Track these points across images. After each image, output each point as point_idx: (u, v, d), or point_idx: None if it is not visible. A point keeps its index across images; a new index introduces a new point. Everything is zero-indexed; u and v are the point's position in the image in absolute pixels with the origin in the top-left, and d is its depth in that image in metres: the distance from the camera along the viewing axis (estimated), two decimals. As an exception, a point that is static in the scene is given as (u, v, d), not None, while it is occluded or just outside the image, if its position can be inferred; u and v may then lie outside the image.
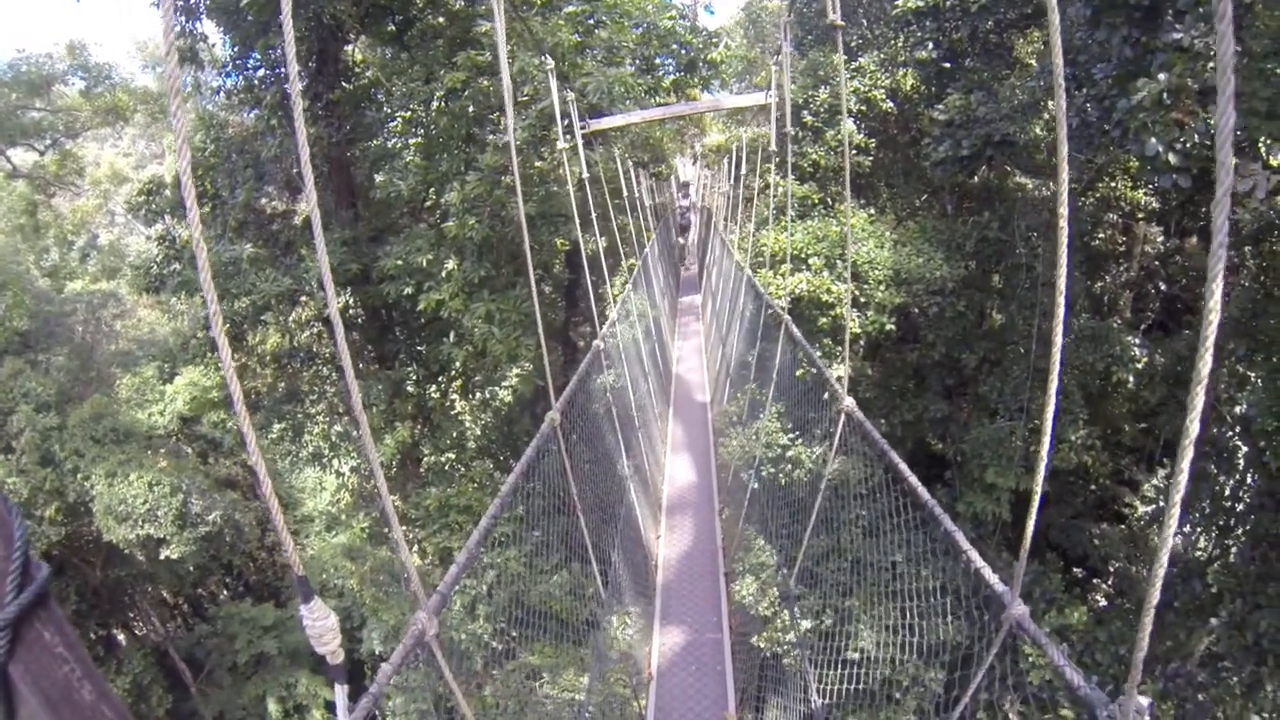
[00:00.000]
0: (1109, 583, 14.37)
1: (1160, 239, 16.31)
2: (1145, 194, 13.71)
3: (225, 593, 18.78)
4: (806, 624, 9.14)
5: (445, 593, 2.23)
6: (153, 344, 17.13)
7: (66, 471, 15.02)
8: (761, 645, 6.39)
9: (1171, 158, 8.09)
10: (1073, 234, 12.60)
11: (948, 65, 12.84)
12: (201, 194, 12.77)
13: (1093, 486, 15.19)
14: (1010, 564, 11.89)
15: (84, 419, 15.13)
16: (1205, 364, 1.16)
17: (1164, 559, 1.33)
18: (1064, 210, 1.58)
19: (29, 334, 16.61)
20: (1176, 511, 1.29)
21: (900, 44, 13.67)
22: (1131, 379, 13.37)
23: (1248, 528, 10.24)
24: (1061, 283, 1.59)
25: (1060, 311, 1.62)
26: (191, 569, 15.67)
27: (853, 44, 14.08)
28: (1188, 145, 8.15)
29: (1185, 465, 1.24)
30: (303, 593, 1.40)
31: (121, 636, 17.70)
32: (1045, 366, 12.52)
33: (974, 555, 2.28)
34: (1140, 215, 14.58)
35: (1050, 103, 11.30)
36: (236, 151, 12.20)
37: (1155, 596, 1.35)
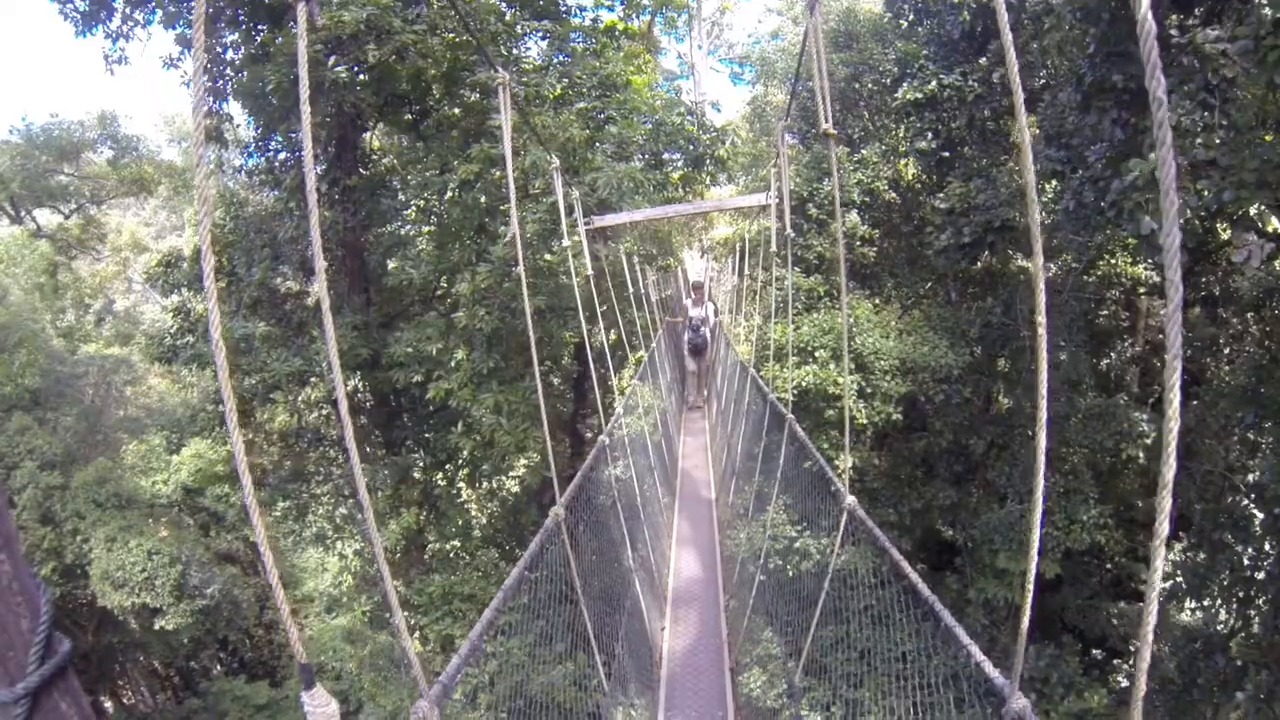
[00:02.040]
0: (1130, 663, 14.03)
1: (1163, 312, 16.39)
2: (1145, 269, 13.88)
3: (219, 668, 18.43)
4: (816, 717, 8.93)
5: (447, 683, 2.24)
6: (161, 413, 17.26)
7: (66, 532, 14.97)
8: None
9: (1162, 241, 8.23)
10: (1078, 313, 12.78)
11: (947, 154, 13.19)
12: (218, 270, 13.05)
13: (1108, 565, 14.96)
14: (1026, 650, 11.64)
15: (88, 481, 15.15)
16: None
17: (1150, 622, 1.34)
18: (1041, 312, 1.66)
19: (40, 392, 16.75)
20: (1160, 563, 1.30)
21: (901, 134, 14.07)
22: (1141, 454, 13.29)
23: (1269, 597, 10.01)
24: (1043, 364, 1.66)
25: (1043, 389, 1.67)
26: (186, 641, 15.43)
27: (855, 136, 14.49)
28: (1181, 221, 8.28)
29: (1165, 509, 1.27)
30: (305, 679, 1.44)
31: (109, 704, 17.34)
32: (1054, 448, 12.53)
33: (973, 649, 2.29)
34: (1142, 290, 14.71)
35: (1049, 185, 11.56)
36: (255, 230, 12.51)
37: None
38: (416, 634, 11.21)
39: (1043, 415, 1.78)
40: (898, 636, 5.06)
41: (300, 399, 11.59)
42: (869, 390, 11.14)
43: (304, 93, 1.58)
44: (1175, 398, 1.25)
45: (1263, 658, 9.20)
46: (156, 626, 14.50)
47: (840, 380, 10.54)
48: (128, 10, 14.15)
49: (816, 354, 10.70)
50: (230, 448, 12.85)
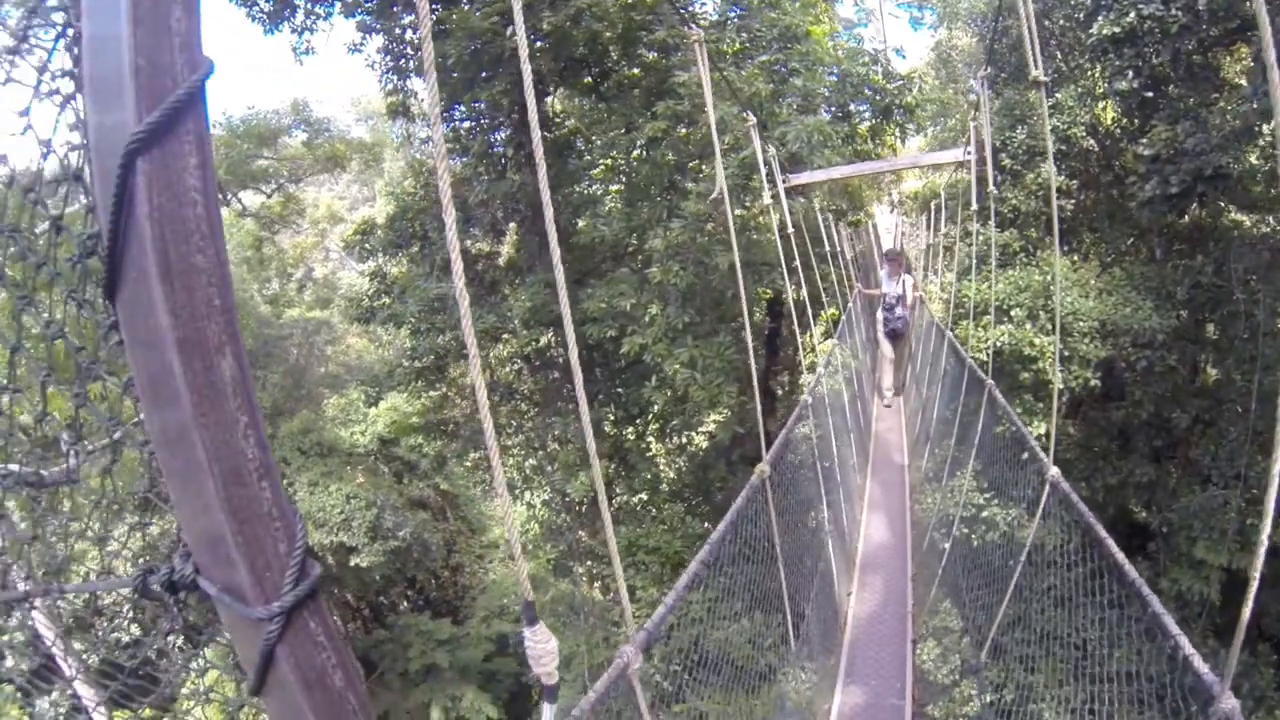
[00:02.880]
0: None
1: None
2: None
3: (406, 604, 20.08)
4: (987, 698, 8.60)
5: (652, 630, 2.32)
6: (360, 370, 18.85)
7: (274, 477, 16.67)
8: (937, 715, 6.11)
9: None
10: None
11: (1150, 94, 11.97)
12: (410, 234, 13.98)
13: None
14: (1217, 652, 10.66)
15: (293, 431, 16.80)
16: None
17: None
18: None
19: (251, 353, 18.71)
20: None
21: (1098, 74, 12.91)
22: None
23: None
24: None
25: None
26: (378, 578, 16.90)
27: (1048, 77, 13.43)
28: None
29: None
30: (528, 617, 1.51)
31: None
32: (1267, 428, 11.29)
33: (1183, 640, 2.14)
34: None
35: (1267, 126, 10.31)
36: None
37: None
38: (598, 583, 11.77)
39: None
40: (1081, 622, 4.78)
41: (493, 355, 12.31)
42: (1066, 354, 10.47)
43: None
44: None
45: None
46: (352, 563, 15.95)
47: (1036, 341, 9.98)
48: (309, 5, 15.23)
49: (1012, 313, 10.16)
50: (423, 402, 13.86)
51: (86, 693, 10.22)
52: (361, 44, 15.68)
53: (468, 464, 13.87)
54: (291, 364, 18.73)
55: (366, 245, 14.80)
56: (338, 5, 15.44)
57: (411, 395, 14.68)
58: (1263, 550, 1.60)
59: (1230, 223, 12.33)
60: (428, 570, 16.96)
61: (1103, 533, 2.94)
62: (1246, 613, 1.69)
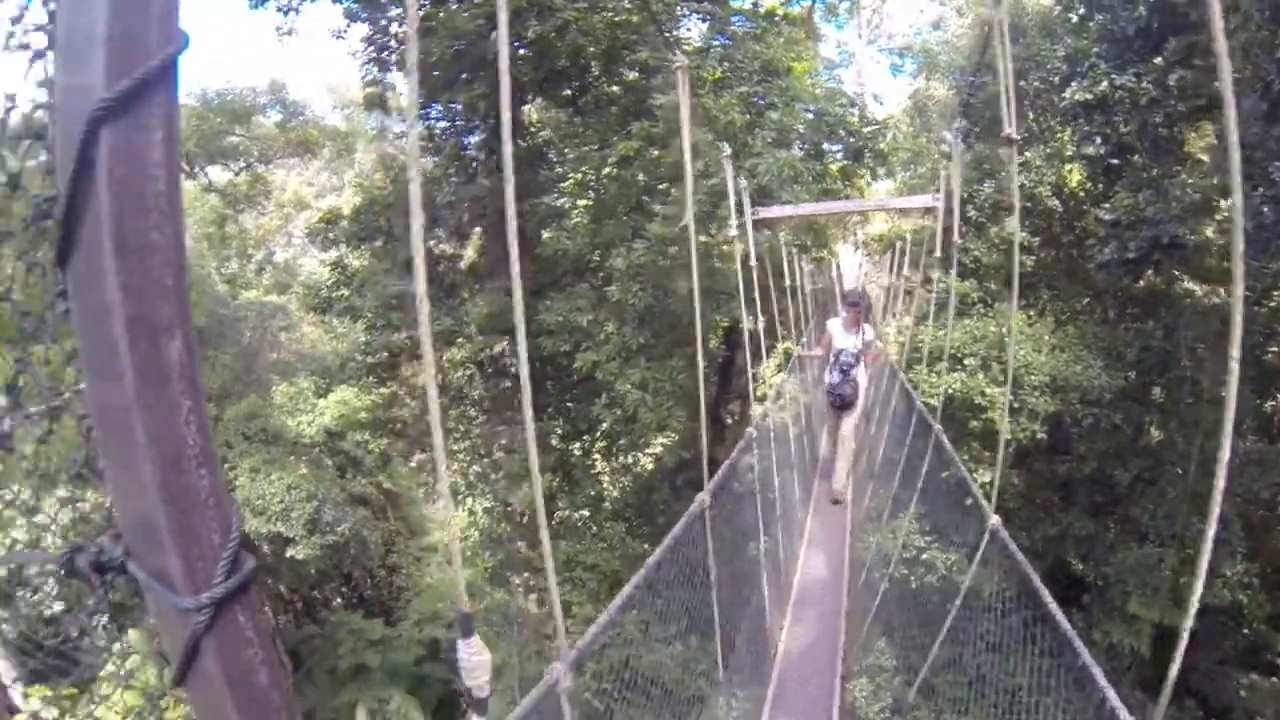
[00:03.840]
0: None
1: None
2: None
3: (339, 601, 19.64)
4: None
5: (583, 649, 2.28)
6: (312, 359, 18.45)
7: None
8: None
9: None
10: (1245, 348, 11.76)
11: (1115, 161, 12.34)
12: (375, 228, 13.80)
13: (1245, 630, 13.75)
14: (1145, 705, 10.88)
15: (239, 415, 16.35)
16: None
17: None
18: (1238, 318, 1.47)
19: (204, 330, 18.22)
20: None
21: (1068, 137, 13.26)
22: None
23: None
24: (1231, 399, 1.46)
25: (1228, 429, 1.48)
26: (313, 572, 16.48)
27: (1020, 137, 13.74)
28: None
29: None
30: (463, 628, 1.48)
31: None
32: (1205, 491, 11.59)
33: (1109, 693, 2.18)
34: None
35: (1224, 202, 10.65)
36: (412, 193, 13.13)
37: None
38: (534, 595, 11.62)
39: (1223, 460, 1.60)
40: (1013, 668, 4.83)
41: (446, 358, 12.15)
42: (1016, 405, 10.63)
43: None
44: None
45: None
46: (288, 555, 15.54)
47: (987, 391, 10.12)
48: None
49: (965, 362, 10.30)
50: (373, 398, 13.62)
51: (3, 668, 9.86)
52: (345, 31, 15.54)
53: (413, 464, 13.67)
54: (244, 346, 18.29)
55: (330, 235, 14.58)
56: (325, -12, 15.37)
57: (362, 390, 14.45)
58: (1193, 609, 1.62)
59: (1183, 291, 12.68)
60: (364, 568, 16.63)
61: (1038, 583, 2.97)
62: (1174, 671, 1.77)
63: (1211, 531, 1.59)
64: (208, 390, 16.69)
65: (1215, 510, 1.56)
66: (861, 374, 8.45)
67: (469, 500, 13.65)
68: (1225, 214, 11.16)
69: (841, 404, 8.45)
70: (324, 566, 15.75)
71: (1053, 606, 2.78)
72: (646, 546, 10.39)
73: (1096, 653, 11.45)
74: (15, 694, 10.15)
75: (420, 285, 1.35)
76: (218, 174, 23.86)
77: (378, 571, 16.96)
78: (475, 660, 1.50)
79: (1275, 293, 13.01)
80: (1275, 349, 14.43)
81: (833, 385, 8.37)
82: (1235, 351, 1.52)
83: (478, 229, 12.55)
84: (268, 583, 18.94)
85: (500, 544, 13.31)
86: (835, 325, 8.32)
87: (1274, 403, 14.80)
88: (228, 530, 0.91)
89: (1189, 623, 1.67)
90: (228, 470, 16.06)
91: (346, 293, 13.50)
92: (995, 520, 3.76)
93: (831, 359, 8.39)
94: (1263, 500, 11.84)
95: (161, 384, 0.86)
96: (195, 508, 0.88)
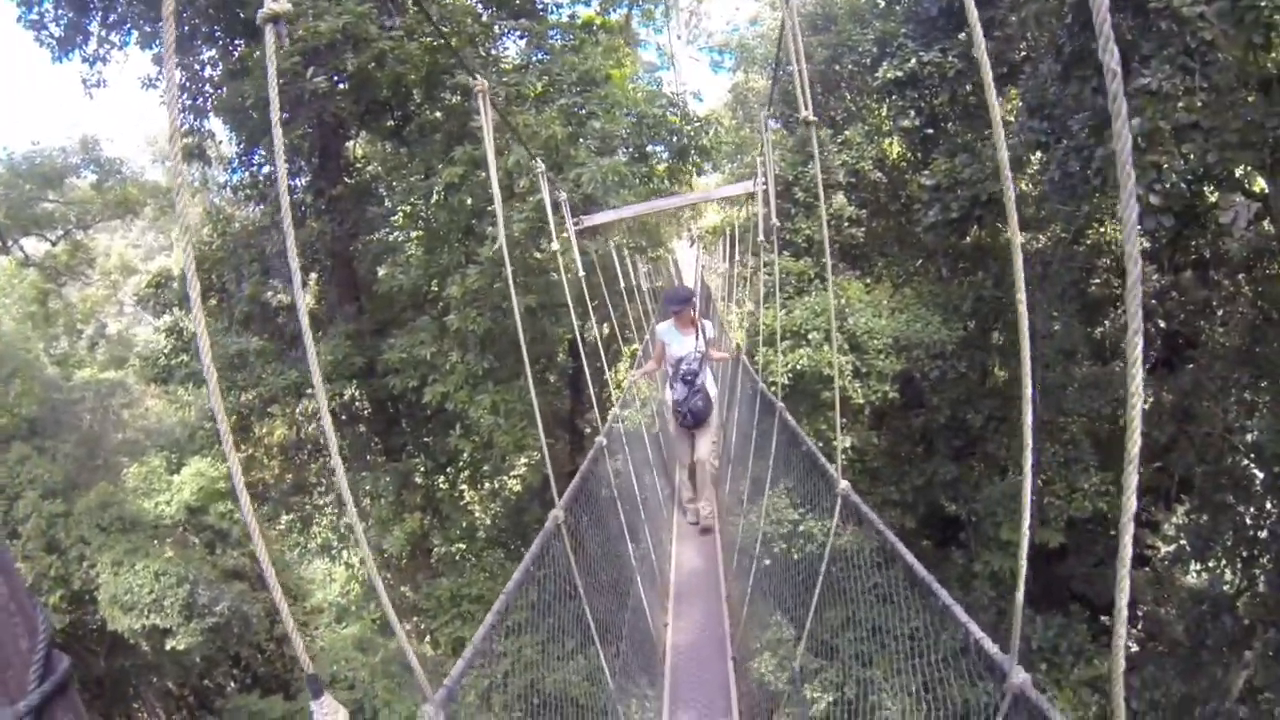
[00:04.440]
0: (1139, 627, 14.08)
1: (1155, 277, 16.40)
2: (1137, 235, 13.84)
3: (232, 684, 18.41)
4: (829, 697, 8.93)
5: (452, 686, 2.24)
6: (160, 434, 17.24)
7: (72, 559, 14.95)
8: None
9: (1153, 199, 8.27)
10: (1069, 284, 12.79)
11: (930, 131, 13.21)
12: (208, 288, 13.02)
13: (1111, 532, 14.99)
14: (1034, 618, 11.68)
15: (90, 506, 15.13)
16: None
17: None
18: (1022, 297, 1.68)
19: (37, 420, 16.73)
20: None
21: (884, 113, 14.09)
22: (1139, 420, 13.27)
23: (1273, 555, 10.06)
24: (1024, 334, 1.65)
25: (1025, 356, 1.67)
26: (198, 660, 15.43)
27: (838, 118, 14.50)
28: (1167, 185, 8.37)
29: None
30: (313, 689, 1.44)
31: (126, 730, 17.34)
32: (1051, 418, 12.55)
33: (972, 626, 2.27)
34: None
35: (1033, 156, 11.57)
36: (242, 246, 12.47)
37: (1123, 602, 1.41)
38: (428, 639, 11.23)
39: (1027, 390, 1.80)
40: (906, 614, 5.07)
41: (298, 411, 11.59)
42: (864, 370, 11.18)
43: (275, 115, 1.60)
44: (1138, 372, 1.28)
45: (1270, 615, 9.24)
46: (168, 647, 14.49)
47: (834, 362, 10.58)
48: (104, 33, 14.13)
49: (809, 337, 10.73)
50: (228, 466, 12.84)
51: None
52: (157, 79, 14.65)
53: (280, 528, 12.98)
54: (85, 431, 16.89)
55: (161, 299, 13.64)
56: (134, 35, 14.38)
57: (216, 458, 13.60)
58: (1027, 522, 1.81)
59: (1005, 242, 13.62)
60: (251, 645, 15.67)
61: (892, 536, 3.06)
62: (1021, 589, 1.86)
63: (1029, 466, 1.83)
64: (50, 484, 15.31)
65: (1028, 430, 1.79)
66: (710, 381, 7.27)
67: (344, 553, 13.08)
68: (1035, 168, 12.13)
69: (694, 421, 7.24)
70: (209, 652, 14.74)
71: (909, 557, 2.90)
72: (530, 569, 10.21)
73: (981, 580, 12.23)
74: None
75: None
76: (33, 245, 21.94)
77: (266, 645, 16.05)
78: None
79: (1089, 231, 14.26)
80: (1097, 281, 15.83)
81: (678, 402, 7.13)
82: (1020, 294, 1.77)
83: (313, 275, 12.06)
84: (152, 681, 17.59)
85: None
86: (666, 331, 7.12)
87: (1103, 329, 16.24)
88: (34, 632, 0.88)
89: (1025, 537, 1.87)
90: (87, 568, 14.80)
91: (186, 358, 12.66)
92: (844, 486, 3.89)
93: (670, 371, 7.15)
94: (1105, 416, 12.82)
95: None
96: (-4, 615, 0.84)
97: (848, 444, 10.51)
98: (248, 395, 11.25)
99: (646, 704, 6.25)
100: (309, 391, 10.81)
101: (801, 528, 9.43)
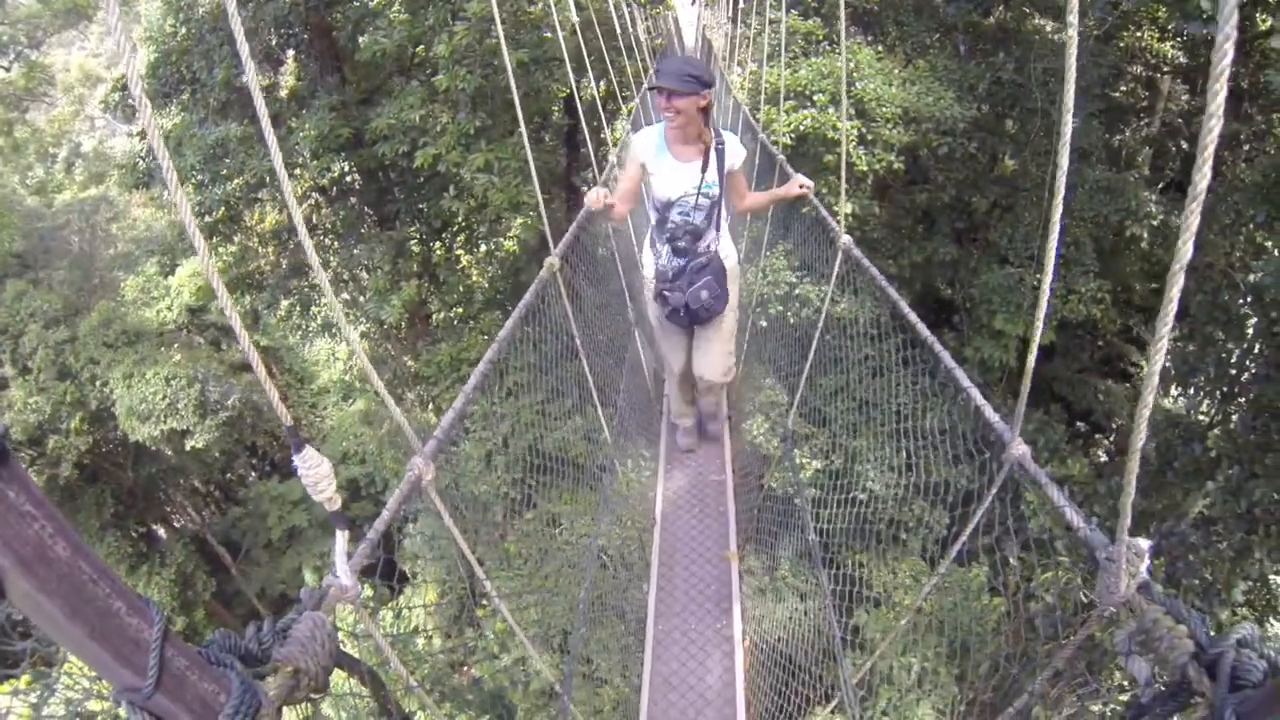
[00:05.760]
0: (1111, 439, 14.48)
1: (1185, 96, 15.51)
2: (1172, 47, 13.00)
3: (253, 474, 19.33)
4: (816, 464, 9.23)
5: (440, 438, 2.14)
6: (150, 240, 16.97)
7: (84, 381, 15.24)
8: (774, 485, 6.50)
9: (1204, 2, 7.47)
10: (1095, 82, 12.07)
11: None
12: (179, 80, 12.29)
13: (1100, 342, 15.10)
14: (1014, 410, 12.04)
15: (94, 327, 15.25)
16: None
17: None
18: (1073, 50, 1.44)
19: (25, 254, 16.50)
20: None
21: None
22: (1146, 235, 13.04)
23: (1251, 396, 10.19)
24: (1067, 128, 1.45)
25: (1064, 153, 1.47)
26: (218, 455, 16.09)
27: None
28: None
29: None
30: (293, 442, 1.35)
31: (161, 531, 18.41)
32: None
33: (975, 393, 2.18)
34: (1165, 69, 13.88)
35: None
36: (209, 31, 11.59)
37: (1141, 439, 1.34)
38: (430, 405, 11.59)
39: (1062, 178, 1.56)
40: (896, 388, 5.04)
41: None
42: (870, 137, 10.72)
43: None
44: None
45: (1236, 453, 9.35)
46: (188, 447, 15.07)
47: (839, 125, 10.11)
48: None
49: (815, 98, 10.21)
50: (223, 259, 12.72)
51: None
52: None
53: (280, 314, 13.01)
54: (76, 254, 16.65)
55: (130, 101, 12.89)
56: None
57: (209, 252, 13.37)
58: (1043, 312, 1.76)
59: (1033, 27, 12.74)
60: (265, 433, 16.27)
61: (896, 295, 2.91)
62: (1030, 369, 1.82)
63: (1053, 248, 1.65)
64: (51, 314, 15.25)
65: (1055, 227, 1.57)
66: (726, 244, 4.10)
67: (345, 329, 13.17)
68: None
69: (693, 320, 4.19)
70: (226, 446, 15.35)
71: (912, 317, 2.73)
72: (527, 328, 10.28)
73: (969, 368, 12.44)
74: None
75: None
76: (-14, 75, 20.54)
77: (279, 431, 16.68)
78: (314, 473, 1.36)
79: (1124, 33, 13.28)
80: (1124, 88, 14.94)
81: (666, 281, 4.03)
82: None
83: (290, 51, 11.29)
84: (179, 483, 18.46)
85: (385, 364, 13.06)
86: (647, 143, 3.77)
87: (1121, 137, 15.53)
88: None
89: (1040, 324, 1.75)
90: (100, 387, 15.10)
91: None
92: (846, 240, 3.57)
93: (654, 219, 4.04)
94: (1111, 224, 12.55)
95: None
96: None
97: (849, 209, 10.27)
98: (234, 184, 10.87)
99: (646, 462, 6.33)
100: (296, 171, 10.47)
101: (798, 290, 9.33)
